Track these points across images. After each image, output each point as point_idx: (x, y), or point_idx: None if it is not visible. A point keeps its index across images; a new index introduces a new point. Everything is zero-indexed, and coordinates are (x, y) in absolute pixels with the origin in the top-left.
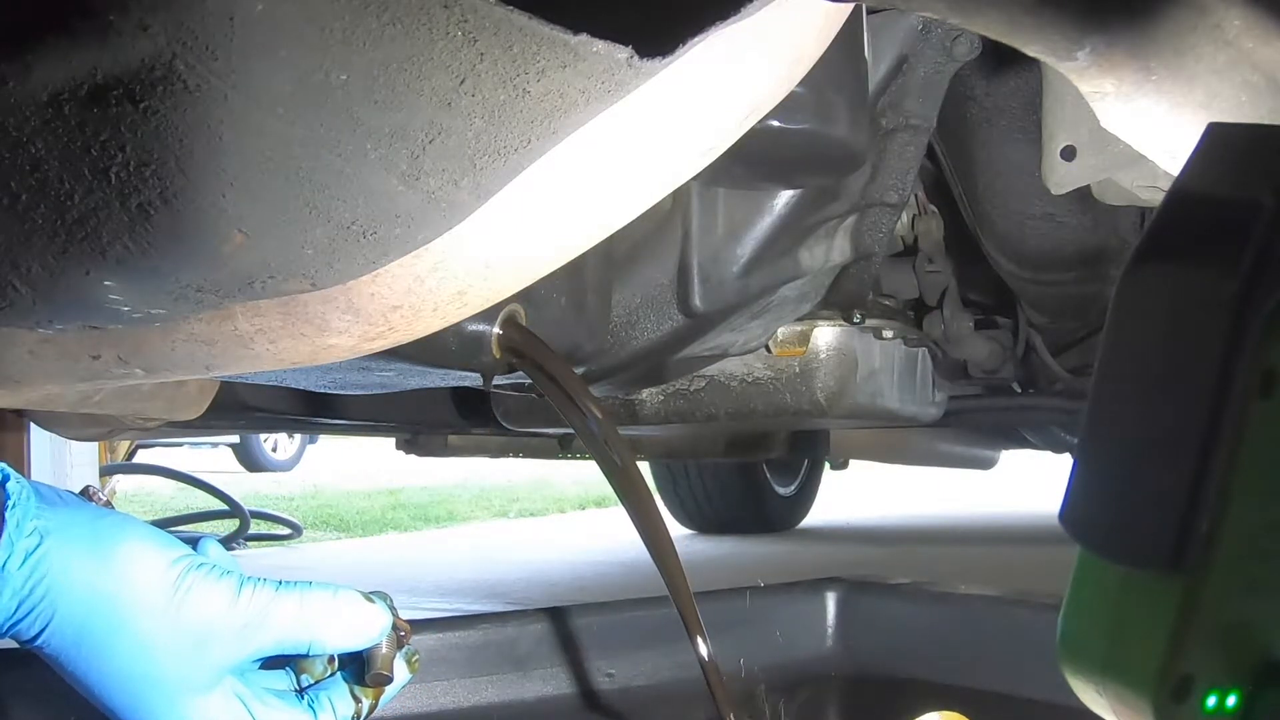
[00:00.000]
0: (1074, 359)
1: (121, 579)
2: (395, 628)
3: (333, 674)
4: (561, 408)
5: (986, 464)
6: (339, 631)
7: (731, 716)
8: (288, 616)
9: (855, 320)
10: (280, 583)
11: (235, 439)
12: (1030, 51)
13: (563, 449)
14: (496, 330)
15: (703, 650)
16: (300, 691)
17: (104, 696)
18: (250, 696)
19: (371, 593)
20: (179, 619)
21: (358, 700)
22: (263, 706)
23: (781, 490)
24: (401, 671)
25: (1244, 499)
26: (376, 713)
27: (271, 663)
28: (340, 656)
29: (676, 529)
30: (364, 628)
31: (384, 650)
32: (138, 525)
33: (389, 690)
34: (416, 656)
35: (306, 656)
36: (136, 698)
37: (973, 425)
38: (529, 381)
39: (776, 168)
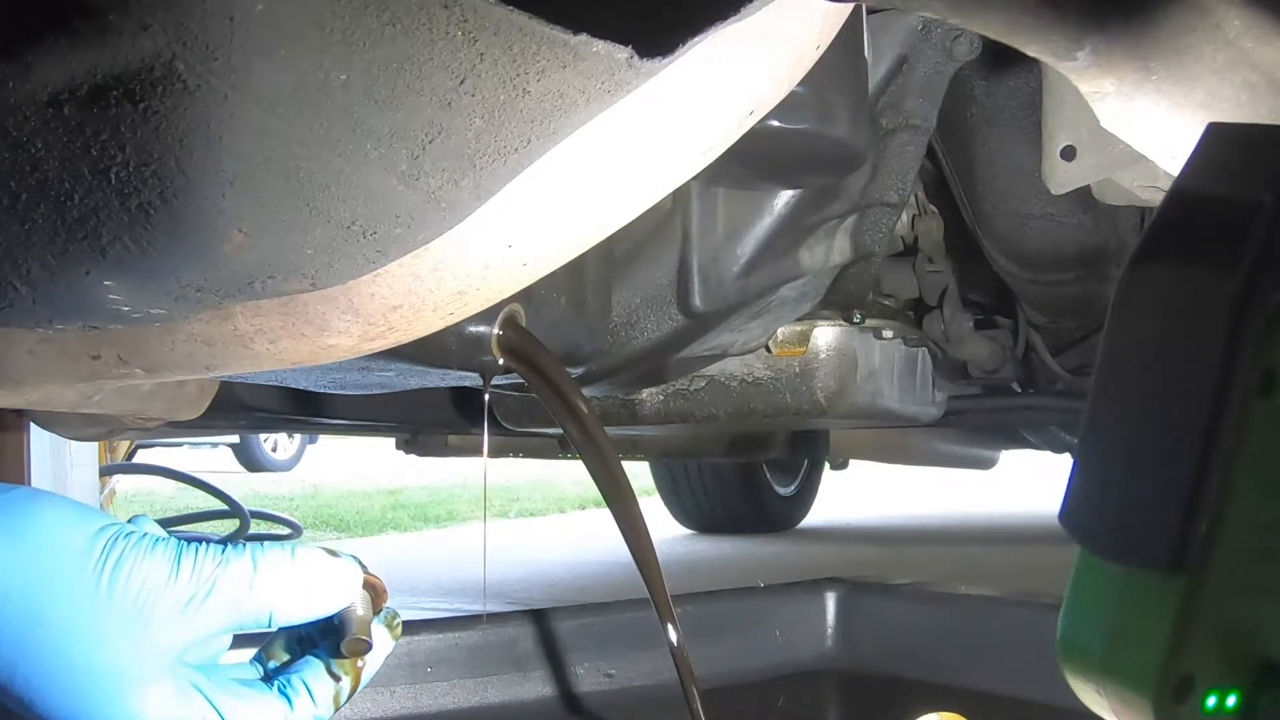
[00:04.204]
0: (1074, 359)
1: (37, 559)
2: (370, 587)
3: (304, 656)
4: (555, 411)
5: (986, 464)
6: (301, 594)
7: (696, 695)
8: (239, 583)
9: (855, 320)
10: (226, 545)
11: (235, 439)
12: (1030, 51)
13: (563, 449)
14: (496, 331)
15: (672, 636)
16: (269, 679)
17: (35, 700)
18: (211, 687)
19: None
20: (111, 597)
21: (336, 678)
22: (227, 697)
23: (781, 490)
24: (382, 638)
25: (1244, 499)
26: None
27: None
28: (311, 635)
29: (677, 529)
30: (331, 588)
31: (358, 612)
32: (51, 497)
33: (371, 662)
34: (398, 620)
35: (271, 637)
36: (72, 694)
37: (973, 425)
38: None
39: (776, 168)
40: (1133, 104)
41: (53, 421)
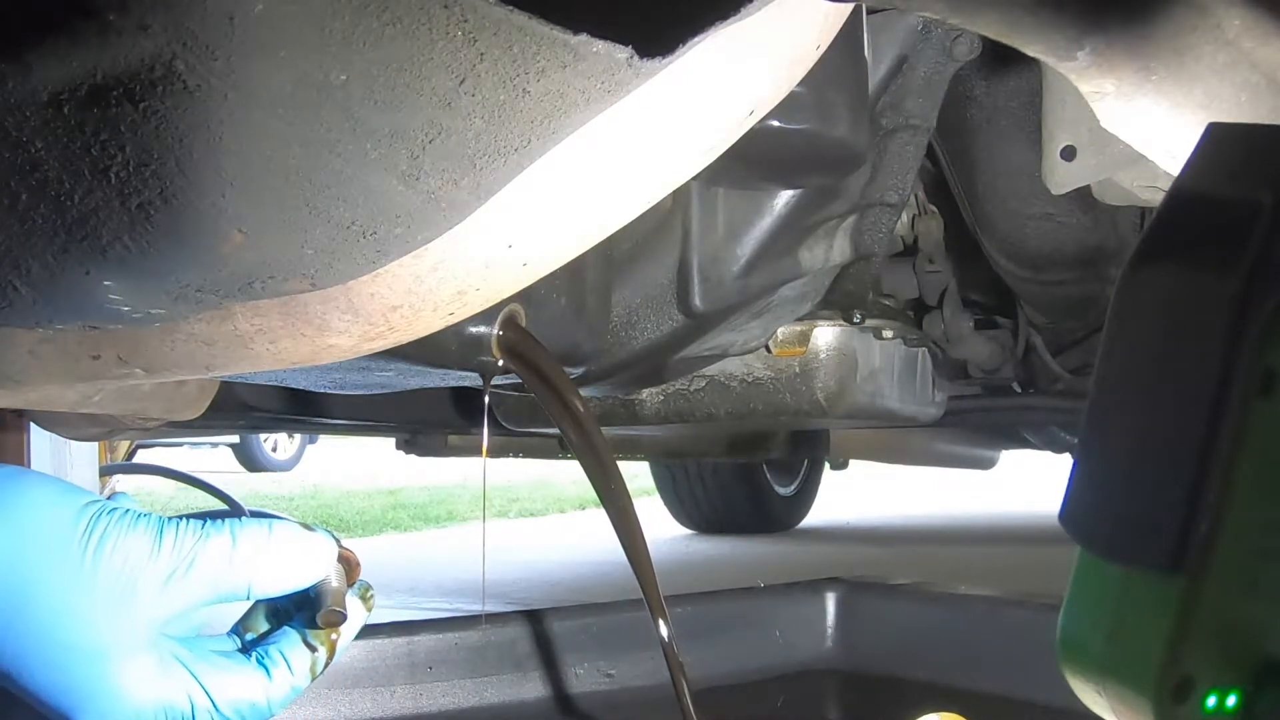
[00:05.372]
0: (1074, 359)
1: (23, 535)
2: (344, 561)
3: (281, 627)
4: (552, 412)
5: (986, 464)
6: (279, 568)
7: (687, 692)
8: (218, 557)
9: (855, 320)
10: (206, 521)
11: (235, 439)
12: (1030, 51)
13: (563, 449)
14: (496, 331)
15: (664, 632)
16: (247, 650)
17: (22, 674)
18: (192, 659)
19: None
20: (95, 573)
21: (313, 648)
22: (207, 667)
23: (781, 490)
24: (356, 609)
25: (1244, 499)
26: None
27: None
28: (287, 608)
29: (676, 529)
30: (306, 560)
31: (333, 584)
32: (35, 475)
33: (345, 633)
34: (371, 592)
35: (249, 609)
36: (57, 668)
37: (973, 425)
38: None
39: (776, 168)
40: (1133, 104)
41: (53, 421)
